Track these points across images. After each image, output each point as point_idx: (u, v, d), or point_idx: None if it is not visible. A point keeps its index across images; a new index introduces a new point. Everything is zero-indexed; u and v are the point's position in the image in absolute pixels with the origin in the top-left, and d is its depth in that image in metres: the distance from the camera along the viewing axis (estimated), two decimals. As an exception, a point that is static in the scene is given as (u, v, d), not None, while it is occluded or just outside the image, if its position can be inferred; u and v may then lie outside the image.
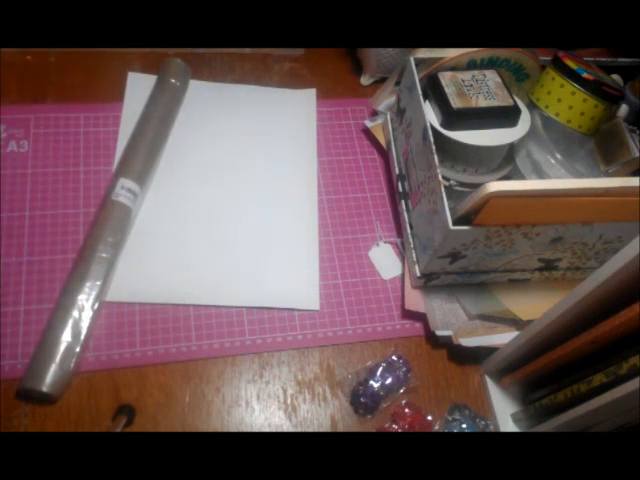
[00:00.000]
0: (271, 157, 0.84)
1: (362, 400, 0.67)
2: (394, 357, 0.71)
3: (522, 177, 0.75)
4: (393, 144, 0.84)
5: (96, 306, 0.66)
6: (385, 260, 0.78)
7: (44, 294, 0.69)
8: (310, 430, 0.67)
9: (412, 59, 0.76)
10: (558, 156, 0.73)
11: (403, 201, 0.78)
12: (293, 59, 0.95)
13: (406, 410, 0.68)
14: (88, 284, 0.67)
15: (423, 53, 0.77)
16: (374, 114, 0.90)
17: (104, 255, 0.68)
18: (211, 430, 0.65)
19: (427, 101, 0.74)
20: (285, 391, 0.69)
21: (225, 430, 0.65)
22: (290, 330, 0.72)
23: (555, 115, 0.77)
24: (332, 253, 0.78)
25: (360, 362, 0.71)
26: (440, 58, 0.76)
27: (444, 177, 0.72)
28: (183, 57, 0.86)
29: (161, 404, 0.66)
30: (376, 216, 0.82)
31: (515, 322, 0.73)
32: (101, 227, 0.70)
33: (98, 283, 0.67)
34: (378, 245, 0.80)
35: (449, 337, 0.71)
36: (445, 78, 0.74)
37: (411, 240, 0.75)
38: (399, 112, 0.81)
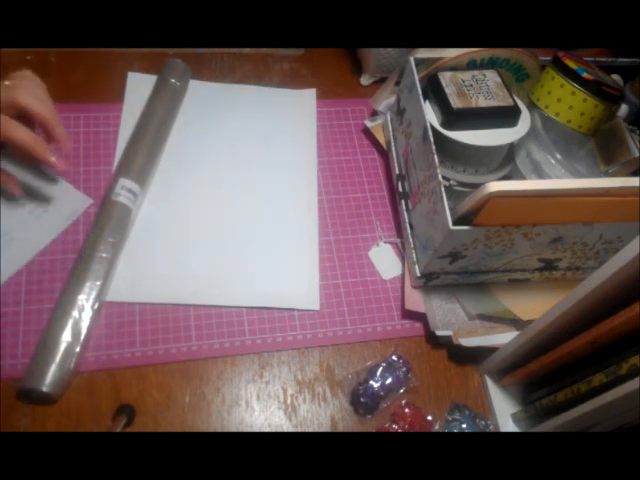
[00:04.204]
0: (271, 157, 0.84)
1: (362, 400, 0.67)
2: (394, 357, 0.71)
3: (522, 177, 0.75)
4: (393, 144, 0.84)
5: (96, 306, 0.66)
6: (385, 260, 0.78)
7: (44, 294, 0.69)
8: (310, 430, 0.67)
9: (412, 59, 0.76)
10: (558, 156, 0.73)
11: (403, 201, 0.78)
12: (293, 59, 0.95)
13: (406, 410, 0.68)
14: (88, 284, 0.67)
15: (423, 53, 0.77)
16: (374, 114, 0.90)
17: (104, 255, 0.68)
18: (211, 430, 0.65)
19: (427, 101, 0.74)
20: (285, 391, 0.69)
21: (225, 430, 0.65)
22: (290, 330, 0.72)
23: (555, 115, 0.77)
24: (332, 253, 0.78)
25: (360, 362, 0.71)
26: (440, 58, 0.76)
27: (444, 177, 0.72)
28: (183, 57, 0.86)
29: (161, 404, 0.66)
30: (376, 216, 0.82)
31: (515, 322, 0.73)
32: (101, 227, 0.70)
33: (98, 283, 0.67)
34: (378, 245, 0.80)
35: (449, 337, 0.71)
36: (445, 78, 0.74)
37: (411, 240, 0.75)
38: (399, 112, 0.81)
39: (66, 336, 0.63)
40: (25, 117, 0.65)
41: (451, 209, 0.64)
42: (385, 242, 0.80)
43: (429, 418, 0.68)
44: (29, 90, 0.65)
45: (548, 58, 0.79)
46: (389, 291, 0.76)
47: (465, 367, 0.73)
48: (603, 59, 0.84)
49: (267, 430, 0.66)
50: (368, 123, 0.88)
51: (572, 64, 0.76)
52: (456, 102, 0.72)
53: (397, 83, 0.84)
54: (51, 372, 0.62)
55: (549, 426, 0.61)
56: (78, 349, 0.64)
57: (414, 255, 0.74)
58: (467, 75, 0.75)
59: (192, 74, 0.87)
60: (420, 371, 0.72)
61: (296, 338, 0.72)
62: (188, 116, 0.85)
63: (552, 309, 0.57)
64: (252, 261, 0.75)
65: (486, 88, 0.74)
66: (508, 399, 0.71)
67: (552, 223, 0.63)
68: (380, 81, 0.91)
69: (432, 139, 0.69)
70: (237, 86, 0.90)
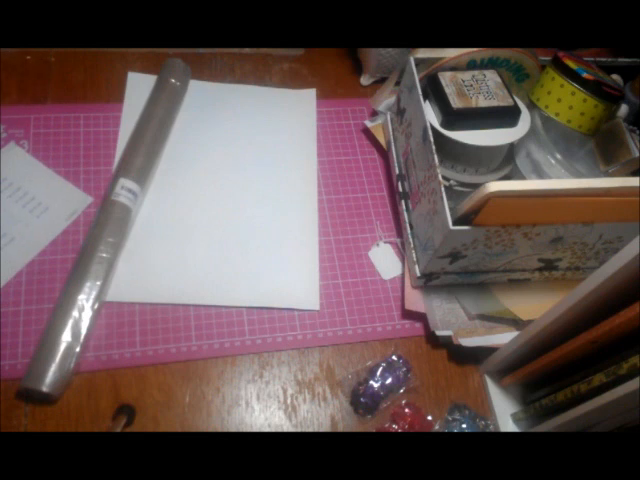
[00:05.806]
0: (271, 157, 0.84)
1: (362, 400, 0.67)
2: (394, 357, 0.71)
3: (522, 177, 0.75)
4: (393, 144, 0.84)
5: (96, 306, 0.66)
6: (385, 260, 0.78)
7: (44, 294, 0.69)
8: (310, 430, 0.67)
9: (412, 59, 0.76)
10: (558, 156, 0.73)
11: (403, 201, 0.78)
12: (293, 59, 0.95)
13: (406, 410, 0.68)
14: (88, 284, 0.67)
15: (423, 53, 0.77)
16: (374, 114, 0.90)
17: (104, 255, 0.68)
18: (211, 430, 0.65)
19: (427, 101, 0.74)
20: (285, 391, 0.69)
21: (225, 430, 0.65)
22: (290, 330, 0.72)
23: (555, 115, 0.77)
24: (332, 253, 0.78)
25: (360, 362, 0.71)
26: (440, 58, 0.76)
27: (444, 177, 0.72)
28: (183, 57, 0.86)
29: (161, 404, 0.66)
30: (376, 216, 0.82)
31: (515, 322, 0.73)
32: (101, 227, 0.70)
33: (98, 283, 0.67)
34: (378, 245, 0.80)
35: (449, 337, 0.71)
36: (445, 78, 0.74)
37: (411, 240, 0.75)
38: (399, 112, 0.81)
39: (66, 336, 0.63)
40: None
41: (451, 209, 0.64)
42: (385, 242, 0.80)
43: (429, 418, 0.68)
44: None
45: (548, 58, 0.79)
46: (389, 291, 0.76)
47: (465, 367, 0.73)
48: (603, 59, 0.84)
49: (267, 430, 0.66)
50: (368, 123, 0.88)
51: (572, 64, 0.76)
52: (456, 102, 0.72)
53: (397, 83, 0.84)
54: (51, 372, 0.62)
55: (549, 426, 0.61)
56: (78, 349, 0.64)
57: (414, 255, 0.74)
58: (467, 75, 0.75)
59: (192, 74, 0.87)
60: (420, 371, 0.72)
61: (296, 338, 0.72)
62: (188, 116, 0.85)
63: (552, 309, 0.57)
64: (252, 261, 0.75)
65: (486, 88, 0.74)
66: (508, 399, 0.71)
67: (552, 223, 0.63)
68: (380, 81, 0.91)
69: (432, 139, 0.69)
70: (237, 86, 0.90)
